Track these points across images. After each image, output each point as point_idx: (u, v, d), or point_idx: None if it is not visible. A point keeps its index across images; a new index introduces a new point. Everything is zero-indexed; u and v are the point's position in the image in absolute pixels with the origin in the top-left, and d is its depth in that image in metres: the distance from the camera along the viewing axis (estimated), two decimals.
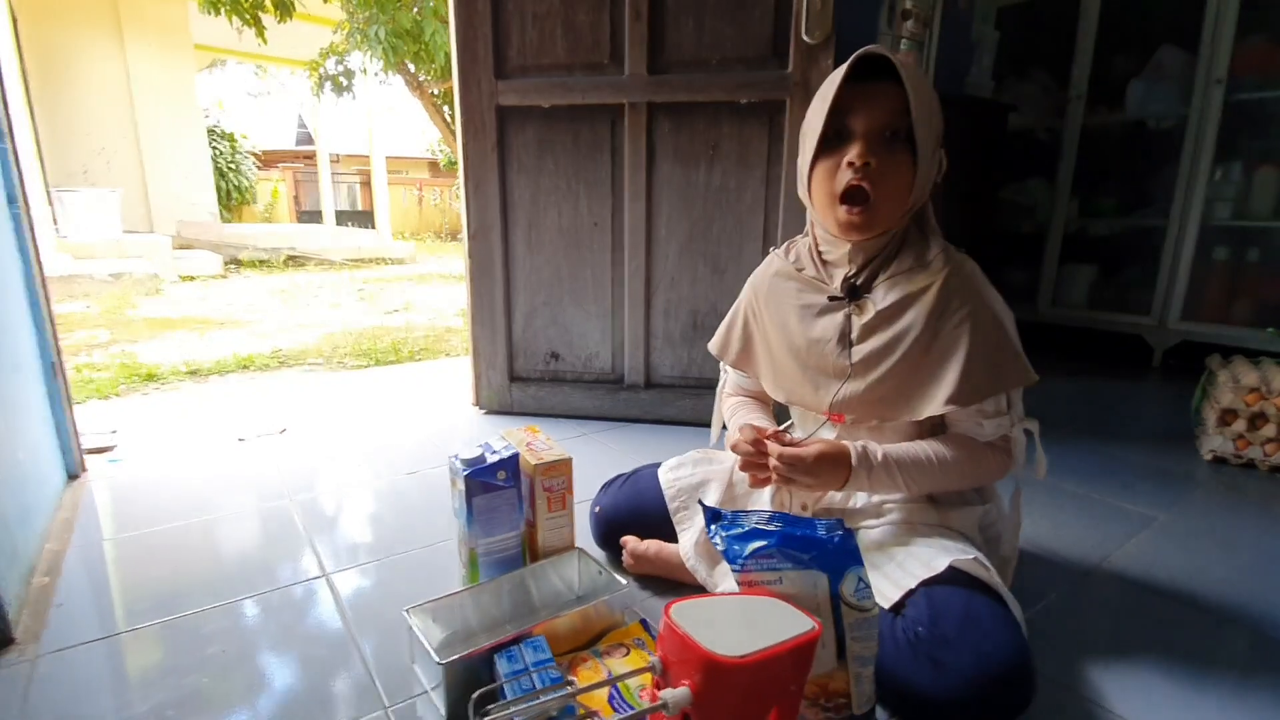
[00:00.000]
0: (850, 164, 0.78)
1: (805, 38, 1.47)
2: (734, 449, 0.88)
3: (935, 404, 0.80)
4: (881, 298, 0.82)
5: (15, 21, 5.58)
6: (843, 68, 0.77)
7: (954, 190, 1.78)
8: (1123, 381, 2.29)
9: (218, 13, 5.26)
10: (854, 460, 0.80)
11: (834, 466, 0.80)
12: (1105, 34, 2.41)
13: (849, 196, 0.79)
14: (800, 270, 0.91)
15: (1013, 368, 0.80)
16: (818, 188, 0.82)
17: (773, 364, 0.95)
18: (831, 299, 0.86)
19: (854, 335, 0.84)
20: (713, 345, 1.05)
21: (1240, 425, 1.47)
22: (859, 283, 0.84)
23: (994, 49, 2.26)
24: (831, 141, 0.80)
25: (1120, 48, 2.42)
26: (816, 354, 0.87)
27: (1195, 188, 2.24)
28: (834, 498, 0.91)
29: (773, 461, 0.81)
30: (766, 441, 0.83)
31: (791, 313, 0.90)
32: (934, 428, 0.86)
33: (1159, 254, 2.36)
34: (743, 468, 0.86)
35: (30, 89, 5.76)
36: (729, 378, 1.07)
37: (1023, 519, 0.94)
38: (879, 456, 0.81)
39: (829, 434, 0.90)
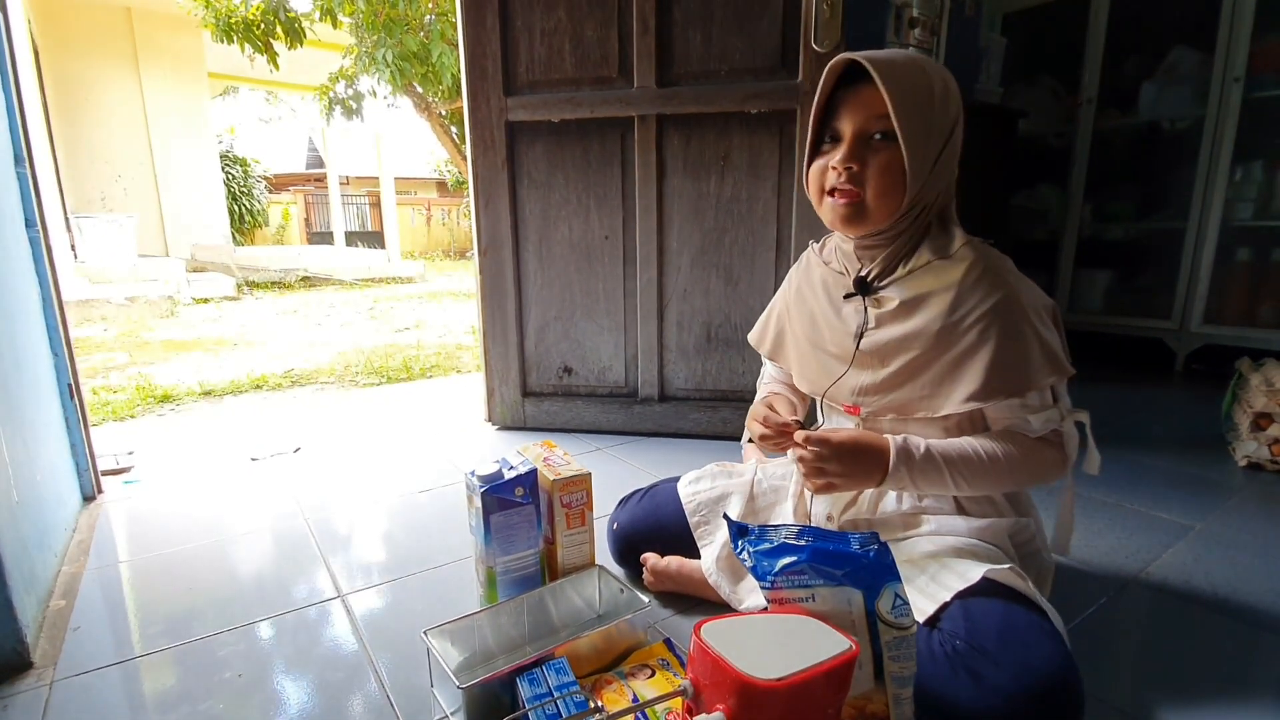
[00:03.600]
0: (833, 168, 0.78)
1: (815, 46, 1.46)
2: (753, 417, 0.87)
3: (955, 401, 0.77)
4: (900, 291, 0.80)
5: (37, 53, 5.72)
6: (828, 74, 0.78)
7: (965, 197, 1.76)
8: (1145, 387, 2.25)
9: (230, 41, 5.36)
10: (893, 454, 0.75)
11: (869, 458, 0.76)
12: (1115, 37, 2.39)
13: (833, 193, 0.80)
14: (828, 264, 0.91)
15: (1043, 362, 0.75)
16: (812, 186, 0.83)
17: (799, 356, 0.95)
18: (847, 296, 0.85)
19: (870, 327, 0.82)
20: (751, 336, 1.06)
21: (1276, 430, 1.42)
22: (870, 277, 0.83)
23: (1002, 55, 2.24)
24: (824, 143, 0.81)
25: (1131, 50, 2.40)
26: (838, 346, 0.86)
27: (1215, 188, 2.20)
28: (861, 508, 0.88)
29: (800, 452, 0.76)
30: (793, 430, 0.79)
31: (818, 305, 0.90)
32: (975, 427, 0.82)
33: (1178, 257, 2.32)
34: (760, 438, 0.84)
35: (50, 118, 5.89)
36: (766, 369, 1.08)
37: (1074, 518, 0.90)
38: (922, 449, 0.76)
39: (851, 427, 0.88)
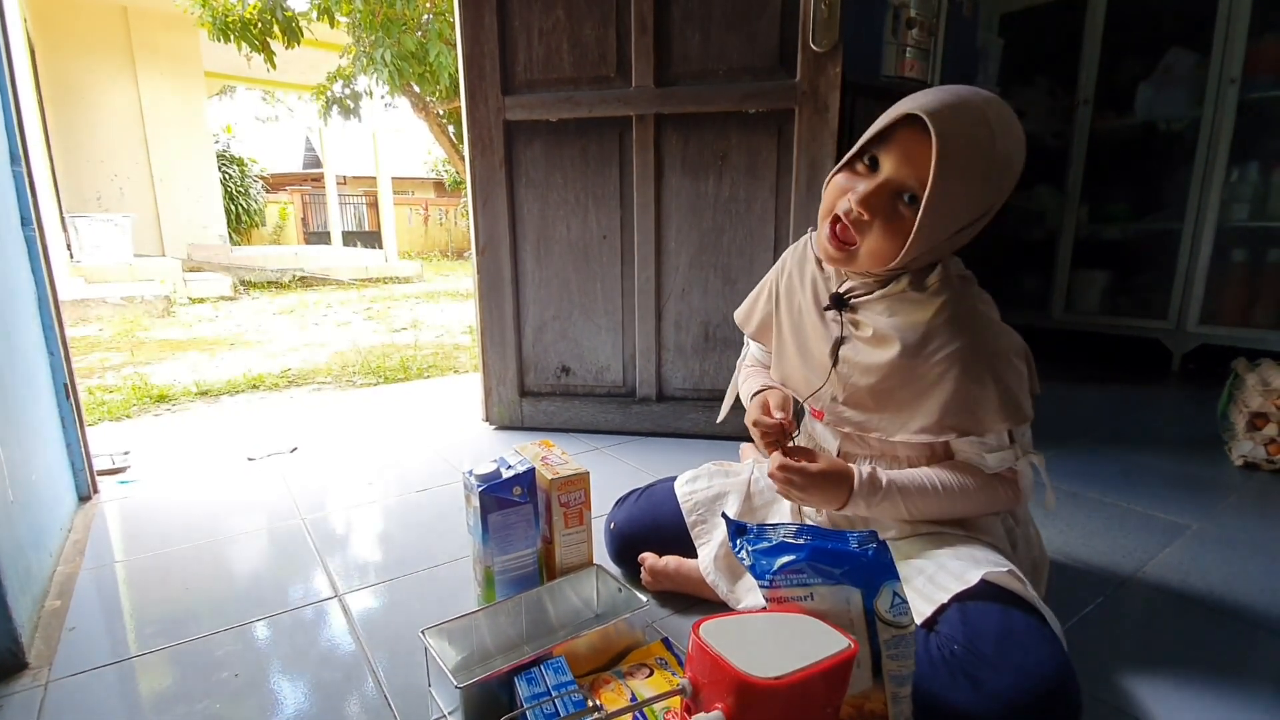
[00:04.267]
0: (850, 199, 0.75)
1: (813, 46, 1.46)
2: (754, 424, 0.88)
3: (909, 430, 0.79)
4: (874, 318, 0.80)
5: (33, 51, 5.70)
6: (910, 107, 0.70)
7: None
8: (1141, 386, 2.25)
9: (227, 40, 5.34)
10: (856, 484, 0.79)
11: (834, 486, 0.79)
12: (1111, 39, 2.40)
13: (835, 225, 0.78)
14: (820, 264, 0.90)
15: (999, 409, 0.75)
16: (828, 194, 0.81)
17: (780, 347, 0.95)
18: (826, 307, 0.86)
19: (844, 344, 0.83)
20: (738, 313, 1.05)
21: (1272, 430, 1.43)
22: (847, 296, 0.83)
23: (999, 56, 2.25)
24: (861, 160, 0.76)
25: (1127, 52, 2.41)
26: (817, 352, 0.87)
27: (1211, 189, 2.21)
28: (854, 509, 0.88)
29: (771, 468, 0.81)
30: (779, 435, 0.84)
31: (805, 303, 0.89)
32: (935, 451, 0.85)
33: (1174, 257, 2.33)
34: (763, 439, 0.86)
35: (46, 118, 5.87)
36: (749, 348, 1.07)
37: (1040, 531, 0.94)
38: (883, 483, 0.79)
39: (816, 428, 0.93)
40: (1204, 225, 2.25)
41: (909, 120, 0.71)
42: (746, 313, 1.02)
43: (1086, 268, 2.59)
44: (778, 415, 0.86)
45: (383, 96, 6.79)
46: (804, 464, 0.79)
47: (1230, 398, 1.61)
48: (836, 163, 0.81)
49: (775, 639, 0.56)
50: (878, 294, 0.81)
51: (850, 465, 0.81)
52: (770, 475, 0.81)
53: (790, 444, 0.84)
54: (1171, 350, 2.39)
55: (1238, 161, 2.19)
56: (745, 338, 1.06)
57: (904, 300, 0.79)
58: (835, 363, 0.84)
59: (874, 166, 0.75)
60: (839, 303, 0.84)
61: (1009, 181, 0.74)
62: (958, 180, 0.69)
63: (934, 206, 0.69)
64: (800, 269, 0.92)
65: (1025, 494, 0.83)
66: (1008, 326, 0.80)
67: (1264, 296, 2.21)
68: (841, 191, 0.77)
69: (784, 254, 0.98)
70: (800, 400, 0.91)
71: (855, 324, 0.82)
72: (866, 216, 0.74)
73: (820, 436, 0.94)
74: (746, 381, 1.01)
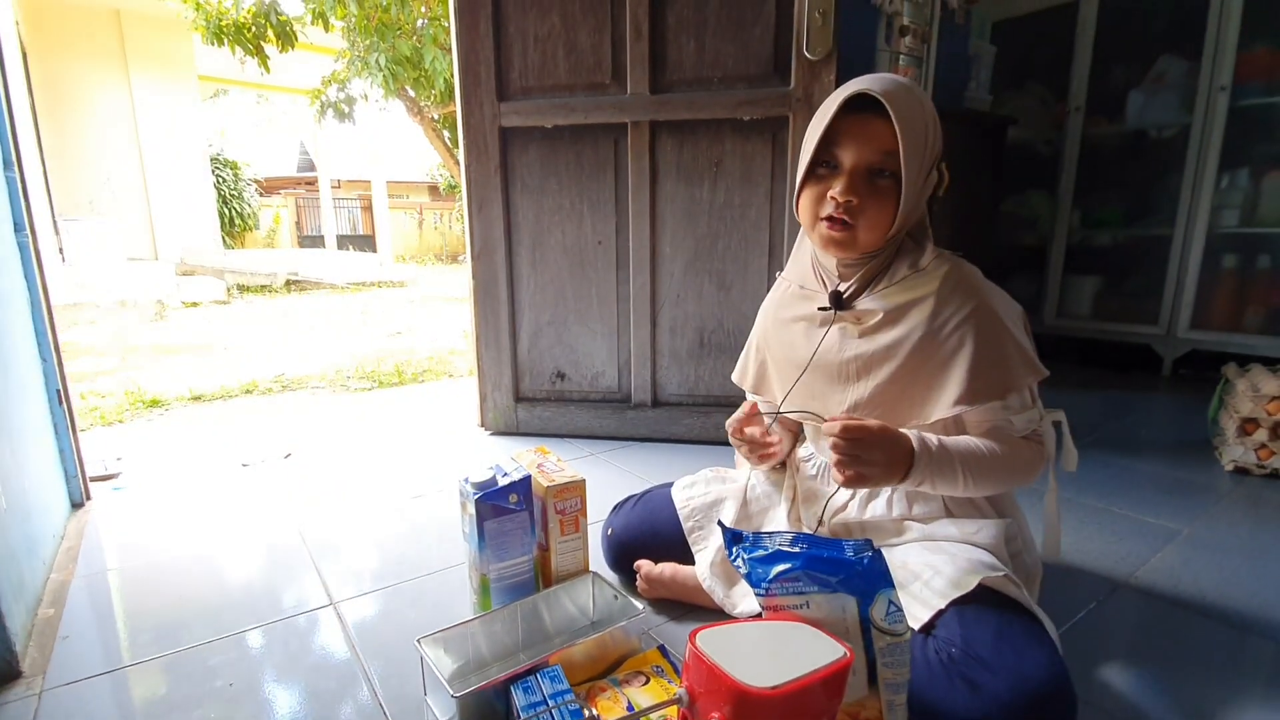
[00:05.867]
0: (833, 198, 0.79)
1: (807, 54, 1.47)
2: (733, 433, 0.90)
3: (943, 406, 0.78)
4: (880, 303, 0.82)
5: (25, 55, 5.67)
6: (836, 100, 0.77)
7: (955, 204, 1.78)
8: (1133, 391, 2.27)
9: (221, 44, 5.33)
10: (916, 447, 0.74)
11: (899, 449, 0.74)
12: (1102, 46, 2.42)
13: (827, 220, 0.81)
14: (802, 287, 0.92)
15: (1021, 364, 0.78)
16: (804, 208, 0.84)
17: (784, 380, 0.95)
18: (822, 309, 0.86)
19: (854, 341, 0.84)
20: (735, 374, 1.06)
21: (1262, 435, 1.44)
22: (846, 293, 0.84)
23: (991, 63, 2.27)
24: (821, 168, 0.82)
25: (1117, 59, 2.43)
26: (822, 364, 0.87)
27: (1201, 195, 2.23)
28: (850, 512, 0.88)
29: (835, 440, 0.72)
30: (824, 419, 0.77)
31: (796, 329, 0.91)
32: (956, 432, 0.83)
33: (1165, 263, 2.35)
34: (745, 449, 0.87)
35: (38, 121, 5.83)
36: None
37: (1060, 519, 0.92)
38: (935, 444, 0.76)
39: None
40: (1194, 231, 2.27)
41: (845, 112, 0.77)
42: (742, 370, 1.04)
43: (1078, 273, 2.61)
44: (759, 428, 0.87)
45: (377, 101, 6.78)
46: (867, 423, 0.73)
47: (1221, 403, 1.62)
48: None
49: (771, 647, 0.56)
50: (878, 286, 0.83)
51: (901, 429, 0.76)
52: (833, 446, 0.72)
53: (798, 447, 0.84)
54: (1163, 355, 2.40)
55: (1228, 168, 2.21)
56: (747, 394, 1.06)
57: (906, 282, 0.81)
58: (847, 364, 0.84)
59: (833, 166, 0.80)
60: (838, 302, 0.84)
61: (939, 136, 0.81)
62: (914, 137, 0.76)
63: (911, 162, 0.75)
64: (783, 305, 0.94)
65: (1049, 455, 0.83)
66: (1004, 292, 0.83)
67: (1254, 302, 2.23)
68: (817, 199, 0.82)
69: (762, 306, 1.01)
70: (823, 420, 0.86)
71: (860, 317, 0.83)
72: (857, 201, 0.78)
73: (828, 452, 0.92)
74: None
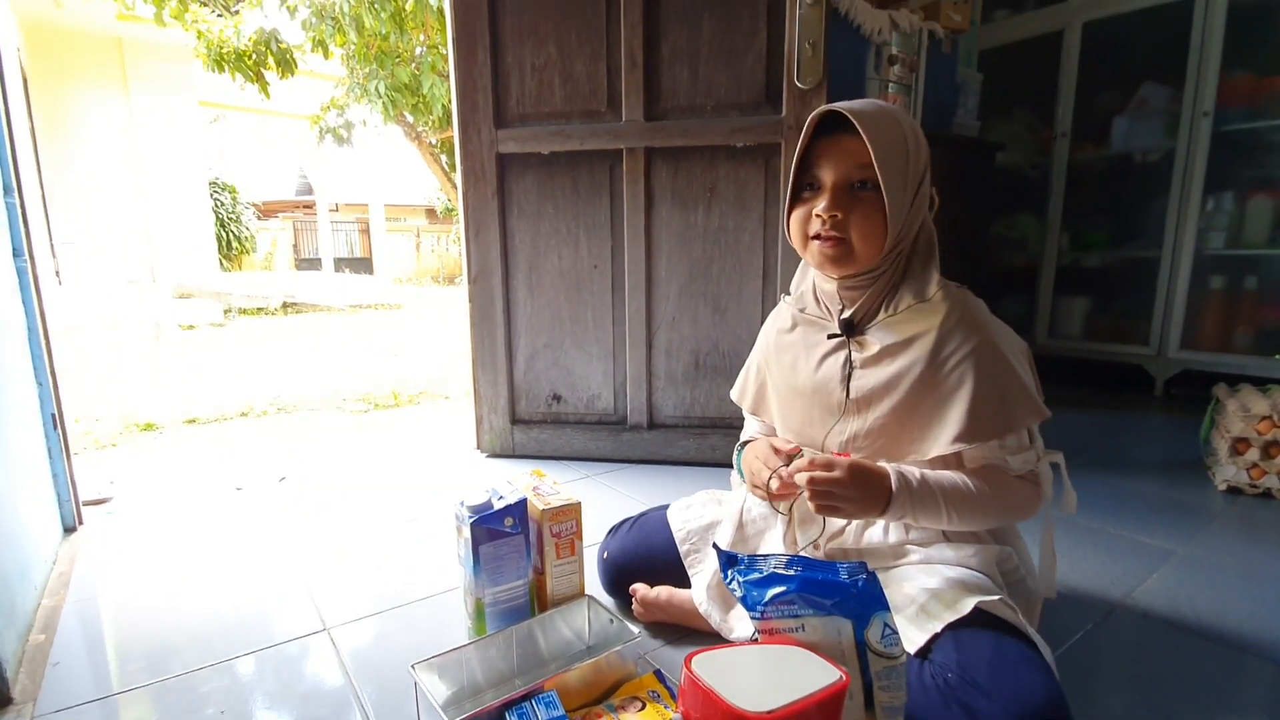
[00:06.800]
0: (818, 215, 0.81)
1: (798, 83, 1.50)
2: (754, 480, 0.86)
3: (941, 443, 0.78)
4: (883, 335, 0.82)
5: (26, 82, 5.73)
6: (811, 123, 0.81)
7: (947, 226, 1.81)
8: (1125, 412, 2.28)
9: (222, 71, 5.41)
10: (894, 482, 0.75)
11: (874, 484, 0.75)
12: (1086, 73, 2.48)
13: (818, 237, 0.83)
14: (803, 311, 0.92)
15: (1022, 404, 0.78)
16: (795, 232, 0.87)
17: (781, 407, 0.95)
18: (830, 336, 0.87)
19: (855, 372, 0.84)
20: (734, 392, 1.06)
21: (1254, 454, 1.45)
22: (855, 320, 0.85)
23: (978, 90, 2.32)
24: (805, 190, 0.85)
25: (1101, 86, 2.49)
26: (822, 392, 0.87)
27: (1187, 218, 2.27)
28: (846, 538, 0.89)
29: (801, 480, 0.74)
30: (789, 460, 0.80)
31: (798, 354, 0.91)
32: (951, 468, 0.83)
33: (1154, 284, 2.38)
34: (776, 493, 0.83)
35: (38, 144, 5.87)
36: (748, 425, 1.07)
37: (1056, 558, 0.92)
38: (917, 478, 0.77)
39: None
40: (1182, 253, 2.30)
41: (822, 135, 0.81)
42: (741, 389, 1.04)
43: (1069, 294, 2.64)
44: (785, 450, 0.84)
45: (376, 126, 6.86)
46: (835, 463, 0.74)
47: (1212, 423, 1.63)
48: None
49: (767, 672, 0.56)
50: (883, 315, 0.84)
51: (879, 464, 0.77)
52: (808, 479, 0.73)
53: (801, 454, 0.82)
54: (1154, 375, 2.42)
55: (1213, 191, 2.25)
56: (745, 413, 1.06)
57: (910, 314, 0.82)
58: (848, 394, 0.84)
59: (816, 187, 0.83)
60: (849, 329, 0.85)
61: (924, 153, 0.82)
62: (889, 146, 0.78)
63: (886, 170, 0.77)
64: (785, 329, 0.95)
65: (1046, 497, 0.83)
66: (1009, 328, 0.83)
67: (1242, 322, 2.26)
68: (804, 220, 0.84)
69: (763, 327, 1.01)
70: (823, 450, 0.88)
71: (861, 345, 0.84)
72: (840, 214, 0.80)
73: None
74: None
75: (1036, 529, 0.93)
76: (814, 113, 0.81)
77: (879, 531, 0.87)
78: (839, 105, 0.79)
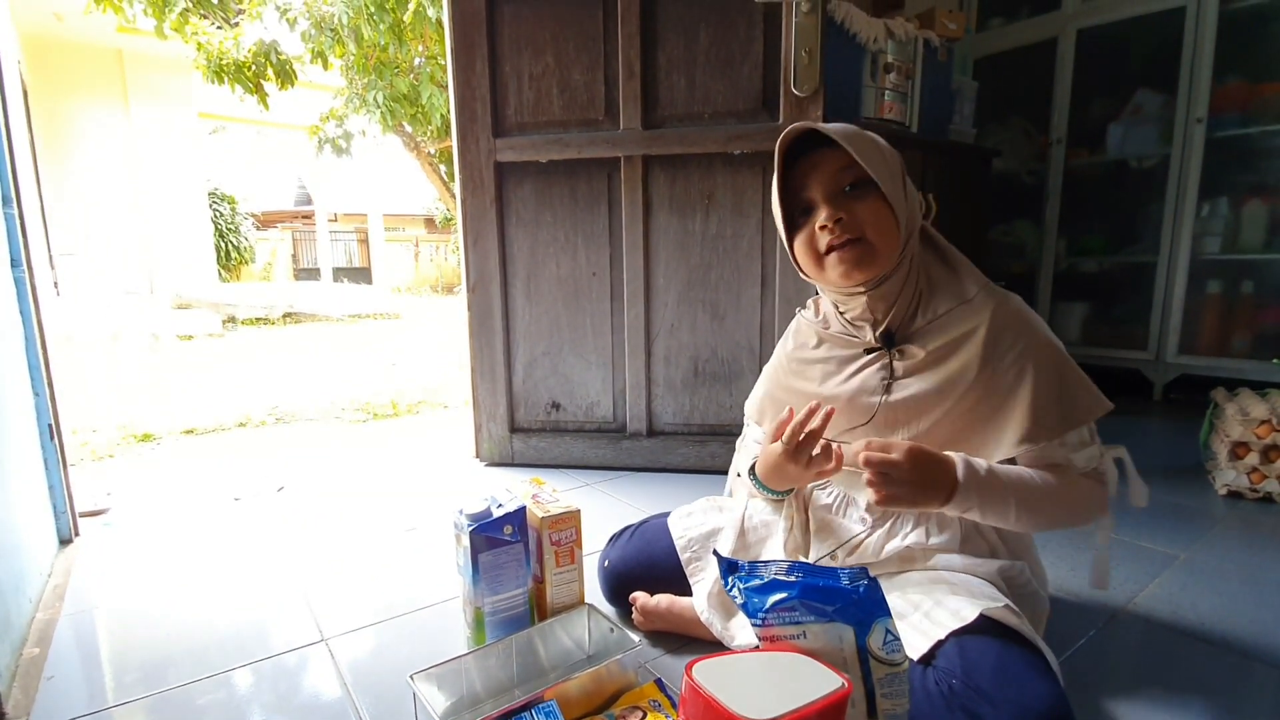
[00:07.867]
0: (823, 227, 0.80)
1: (795, 91, 1.51)
2: (780, 439, 0.82)
3: (1006, 446, 0.75)
4: (927, 340, 0.80)
5: (26, 94, 5.75)
6: (779, 153, 0.81)
7: (944, 232, 1.81)
8: (1125, 416, 2.28)
9: (221, 82, 5.43)
10: (960, 470, 0.71)
11: (938, 470, 0.70)
12: (1081, 80, 2.50)
13: (835, 250, 0.80)
14: (827, 328, 0.90)
15: (1085, 398, 0.76)
16: (803, 257, 0.84)
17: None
18: (869, 350, 0.84)
19: (897, 383, 0.81)
20: (748, 408, 1.03)
21: (1253, 458, 1.45)
22: (894, 329, 0.82)
23: (974, 98, 2.33)
24: (799, 216, 0.83)
25: (1096, 93, 2.50)
26: (859, 408, 0.84)
27: (1183, 223, 2.28)
28: (866, 551, 0.86)
29: (866, 454, 0.70)
30: (846, 448, 0.77)
31: (824, 371, 0.89)
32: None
33: (1151, 289, 2.39)
34: (796, 449, 0.79)
35: (37, 155, 5.89)
36: (747, 433, 1.05)
37: (1109, 555, 0.90)
38: (984, 468, 0.72)
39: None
40: (1178, 258, 2.31)
41: (795, 161, 0.82)
42: (758, 407, 1.01)
43: (1067, 300, 2.65)
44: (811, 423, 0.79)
45: (375, 136, 6.89)
46: (893, 442, 0.70)
47: (1211, 427, 1.63)
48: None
49: (768, 679, 0.56)
50: (921, 321, 0.81)
51: (944, 452, 0.72)
52: (865, 460, 0.70)
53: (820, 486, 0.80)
54: (1153, 380, 2.43)
55: (1208, 196, 2.26)
56: (746, 420, 1.04)
57: (952, 316, 0.80)
58: (885, 404, 0.80)
59: (808, 210, 0.83)
60: (888, 340, 0.82)
61: (896, 155, 0.82)
62: (861, 141, 0.78)
63: (871, 163, 0.76)
64: (805, 346, 0.92)
65: (1111, 492, 0.80)
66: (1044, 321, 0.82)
67: (1240, 327, 2.26)
68: (810, 240, 0.82)
69: (776, 348, 0.99)
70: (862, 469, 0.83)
71: (904, 353, 0.81)
72: (845, 216, 0.79)
73: (853, 488, 0.89)
74: (742, 456, 0.99)
75: (1067, 533, 0.90)
76: (779, 140, 0.81)
77: (899, 546, 0.84)
78: (800, 125, 0.79)
